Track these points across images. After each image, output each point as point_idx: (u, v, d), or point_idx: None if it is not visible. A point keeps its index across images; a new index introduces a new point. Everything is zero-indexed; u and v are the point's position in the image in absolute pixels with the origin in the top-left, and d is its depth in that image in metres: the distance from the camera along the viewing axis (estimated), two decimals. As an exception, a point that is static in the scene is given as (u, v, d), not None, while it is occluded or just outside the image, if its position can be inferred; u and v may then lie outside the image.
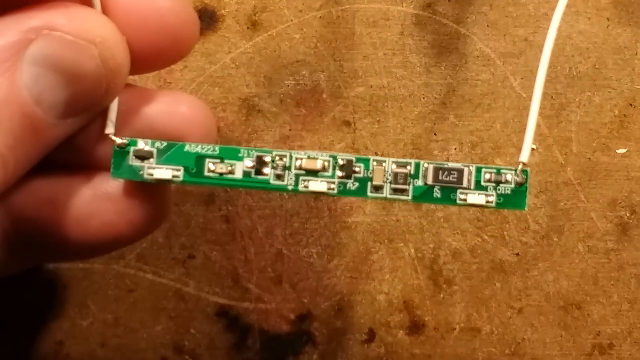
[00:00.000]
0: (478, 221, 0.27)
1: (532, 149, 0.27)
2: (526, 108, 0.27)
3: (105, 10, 0.18)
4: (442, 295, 0.27)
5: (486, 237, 0.27)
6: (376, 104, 0.27)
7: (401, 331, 0.27)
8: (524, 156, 0.19)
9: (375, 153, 0.27)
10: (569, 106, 0.27)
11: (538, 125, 0.27)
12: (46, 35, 0.17)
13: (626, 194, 0.27)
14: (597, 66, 0.27)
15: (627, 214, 0.27)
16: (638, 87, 0.27)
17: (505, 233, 0.27)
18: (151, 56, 0.19)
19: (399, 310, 0.27)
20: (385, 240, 0.27)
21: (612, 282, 0.27)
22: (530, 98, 0.27)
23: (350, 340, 0.27)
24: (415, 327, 0.27)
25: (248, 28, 0.27)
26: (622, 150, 0.27)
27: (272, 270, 0.27)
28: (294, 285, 0.27)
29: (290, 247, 0.27)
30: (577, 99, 0.27)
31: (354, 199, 0.27)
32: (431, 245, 0.27)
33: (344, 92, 0.27)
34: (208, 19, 0.27)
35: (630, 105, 0.27)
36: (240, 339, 0.27)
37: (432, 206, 0.27)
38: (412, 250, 0.27)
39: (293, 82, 0.27)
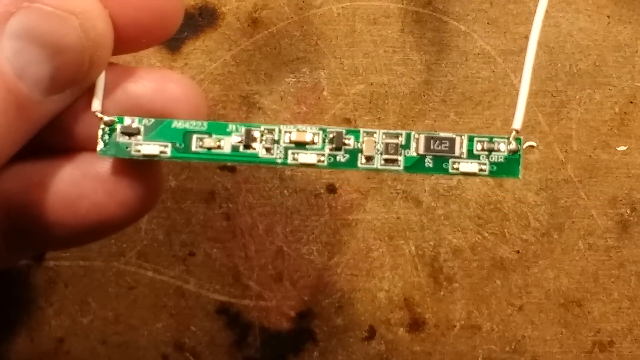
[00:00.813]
0: (478, 219, 0.27)
1: (532, 147, 0.27)
2: (526, 105, 0.27)
3: None
4: (442, 293, 0.27)
5: (486, 235, 0.27)
6: (377, 101, 0.27)
7: (401, 328, 0.27)
8: (517, 123, 0.19)
9: (376, 150, 0.27)
10: (569, 104, 0.27)
11: (538, 123, 0.27)
12: (26, 7, 0.17)
13: (626, 192, 0.27)
14: (597, 64, 0.27)
15: (628, 212, 0.27)
16: (638, 84, 0.27)
17: (506, 230, 0.27)
18: (134, 33, 0.19)
19: (399, 308, 0.27)
20: (386, 238, 0.27)
21: (613, 279, 0.27)
22: (530, 95, 0.27)
23: (351, 338, 0.27)
24: (416, 325, 0.27)
25: (248, 25, 0.27)
26: (622, 148, 0.27)
27: (273, 268, 0.27)
28: (295, 282, 0.27)
29: (290, 244, 0.27)
30: (577, 97, 0.27)
31: (354, 196, 0.27)
32: (432, 243, 0.27)
33: (344, 90, 0.27)
34: (209, 17, 0.27)
35: (631, 102, 0.27)
36: (241, 337, 0.27)
37: (433, 204, 0.27)
38: (413, 248, 0.27)
39: (293, 80, 0.27)
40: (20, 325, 0.27)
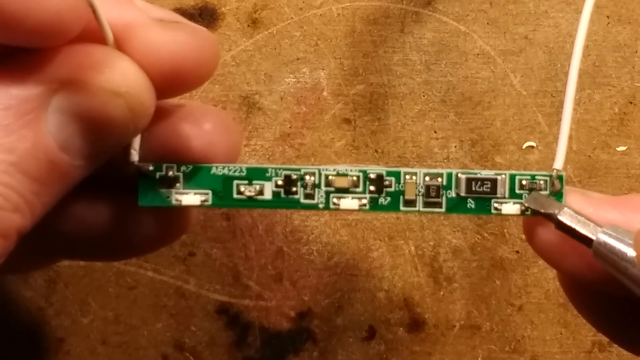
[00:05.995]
0: (478, 219, 0.27)
1: (532, 147, 0.27)
2: (526, 105, 0.27)
3: (123, 49, 0.18)
4: (442, 293, 0.27)
5: (486, 235, 0.27)
6: (376, 101, 0.27)
7: (401, 328, 0.27)
8: (559, 163, 0.19)
9: (376, 151, 0.27)
10: (569, 104, 0.27)
11: (538, 123, 0.27)
12: (70, 84, 0.17)
13: (626, 192, 0.27)
14: (597, 64, 0.27)
15: (627, 212, 0.27)
16: (638, 84, 0.27)
17: (506, 231, 0.27)
18: (168, 90, 0.19)
19: (399, 308, 0.27)
20: (386, 238, 0.27)
21: (612, 279, 0.27)
22: (529, 95, 0.27)
23: (351, 338, 0.27)
24: (416, 325, 0.27)
25: (248, 26, 0.27)
26: (622, 148, 0.27)
27: (273, 268, 0.27)
28: (295, 282, 0.27)
29: (290, 244, 0.27)
30: (577, 97, 0.27)
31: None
32: (431, 243, 0.27)
33: (344, 90, 0.27)
34: (209, 17, 0.27)
35: (630, 103, 0.27)
36: (241, 337, 0.27)
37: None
38: (412, 248, 0.27)
39: (293, 80, 0.27)
40: (20, 325, 0.27)
